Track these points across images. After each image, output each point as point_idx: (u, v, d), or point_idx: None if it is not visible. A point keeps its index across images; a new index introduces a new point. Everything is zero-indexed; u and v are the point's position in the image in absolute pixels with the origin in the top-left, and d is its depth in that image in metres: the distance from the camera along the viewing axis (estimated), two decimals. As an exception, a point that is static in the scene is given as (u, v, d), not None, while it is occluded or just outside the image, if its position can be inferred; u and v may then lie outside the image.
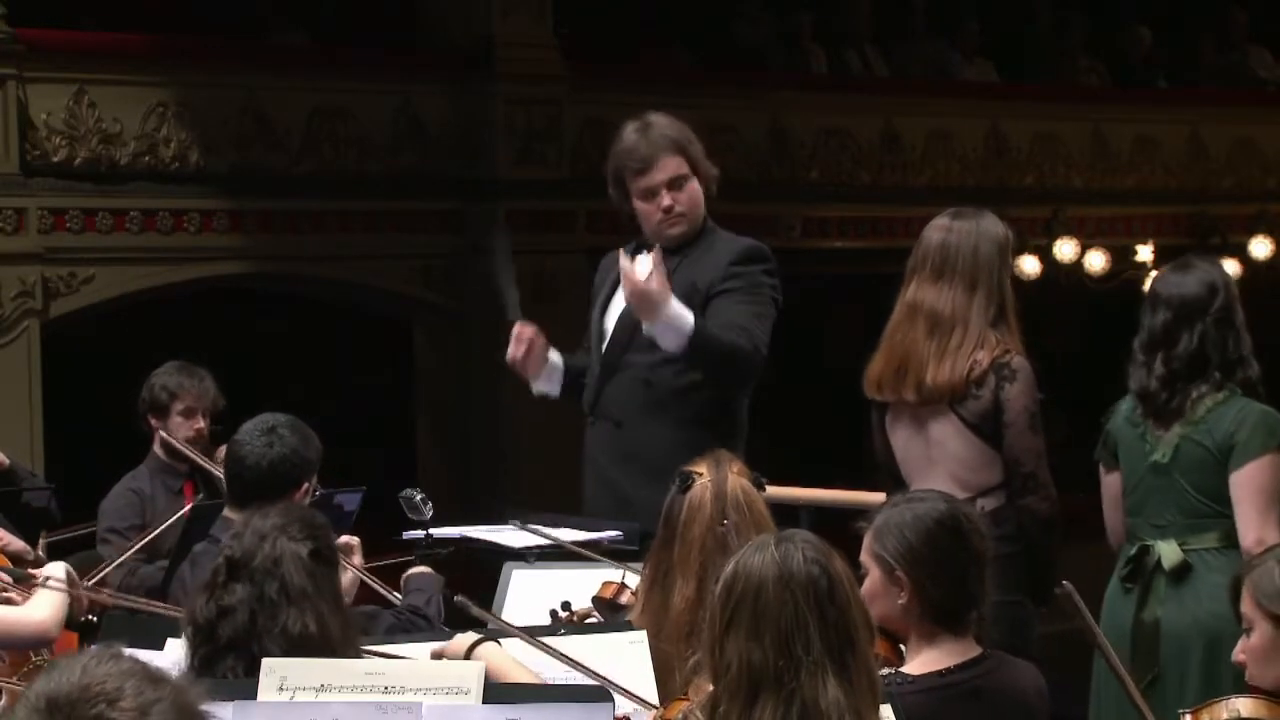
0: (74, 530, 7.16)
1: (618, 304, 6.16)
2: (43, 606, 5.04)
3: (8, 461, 7.12)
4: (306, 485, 5.39)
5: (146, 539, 6.64)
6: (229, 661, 3.96)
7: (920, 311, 5.64)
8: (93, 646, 2.55)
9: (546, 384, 6.25)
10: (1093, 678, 5.75)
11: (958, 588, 4.29)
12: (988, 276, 5.62)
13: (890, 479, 5.79)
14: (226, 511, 5.55)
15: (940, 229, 5.71)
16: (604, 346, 6.16)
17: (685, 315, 5.89)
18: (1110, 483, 5.76)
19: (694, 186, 6.11)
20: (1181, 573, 5.55)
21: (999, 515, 5.48)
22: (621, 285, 5.99)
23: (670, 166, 6.09)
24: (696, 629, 4.19)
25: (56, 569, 5.16)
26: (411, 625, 5.22)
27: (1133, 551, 5.64)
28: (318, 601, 4.02)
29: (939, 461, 5.62)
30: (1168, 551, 5.56)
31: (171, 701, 2.41)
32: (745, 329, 5.96)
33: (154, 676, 2.44)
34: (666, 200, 6.10)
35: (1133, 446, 5.66)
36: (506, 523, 5.79)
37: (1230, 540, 5.50)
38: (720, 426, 5.95)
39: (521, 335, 6.17)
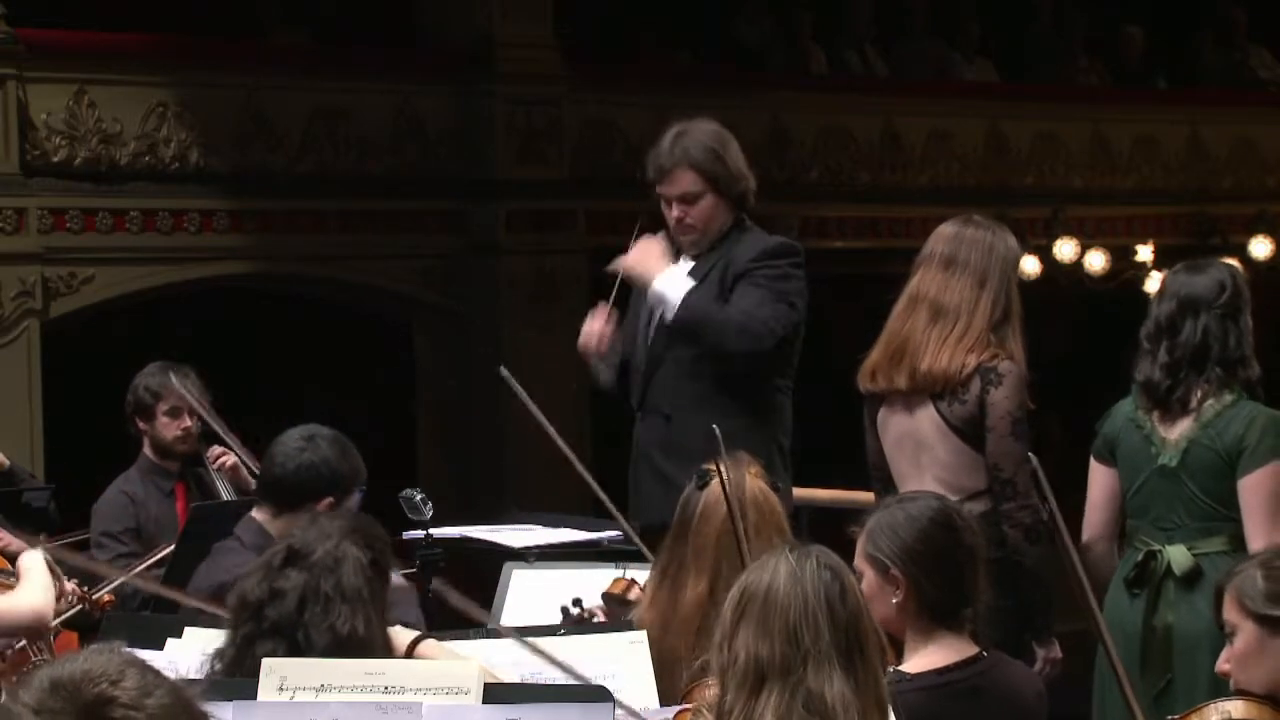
0: (74, 536, 7.16)
1: None
2: (32, 589, 5.05)
3: (7, 462, 7.13)
4: (333, 499, 5.28)
5: (157, 556, 6.64)
6: (269, 644, 3.95)
7: (922, 301, 5.63)
8: (93, 645, 2.56)
9: (600, 370, 6.31)
10: (1095, 670, 5.73)
11: (954, 585, 4.29)
12: (997, 279, 5.61)
13: (879, 482, 5.79)
14: (254, 512, 5.52)
15: (950, 233, 5.70)
16: (649, 341, 6.21)
17: (674, 290, 6.04)
18: (1105, 480, 5.73)
19: (707, 202, 6.17)
20: (1192, 577, 5.51)
21: (986, 519, 5.45)
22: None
23: (683, 182, 6.16)
24: (705, 626, 4.20)
25: (34, 557, 5.17)
26: None
27: (1139, 557, 5.61)
28: (370, 608, 4.02)
29: (926, 465, 5.61)
30: (1178, 556, 5.53)
31: (170, 689, 2.45)
32: (749, 309, 5.99)
33: (153, 669, 2.48)
34: (676, 212, 6.18)
35: (1137, 449, 5.62)
36: (513, 521, 5.81)
37: (1236, 544, 5.46)
38: (767, 417, 6.05)
39: (599, 317, 6.25)
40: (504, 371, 5.53)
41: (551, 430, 5.39)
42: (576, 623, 4.87)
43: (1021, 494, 5.49)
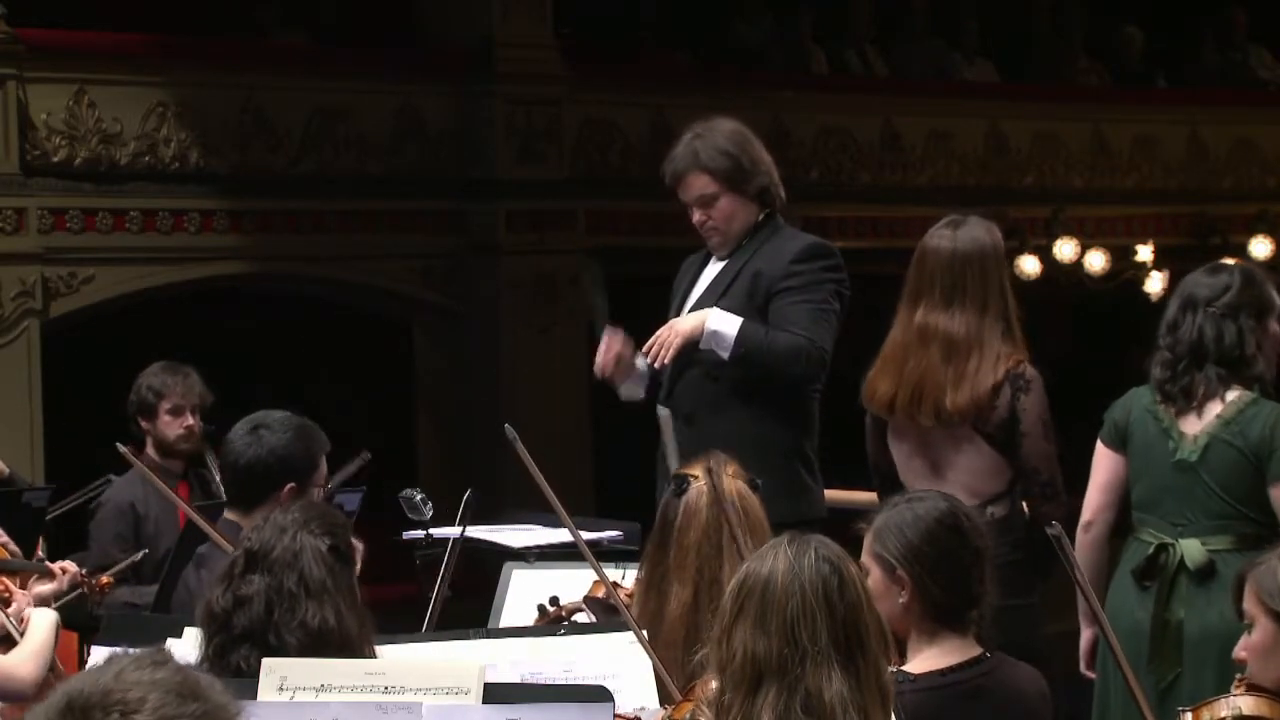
0: (73, 499, 7.25)
1: (691, 303, 6.17)
2: (34, 656, 5.02)
3: (6, 470, 7.13)
4: (293, 485, 5.22)
5: (130, 562, 6.73)
6: (242, 651, 3.95)
7: (934, 337, 5.63)
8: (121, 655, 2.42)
9: (631, 390, 6.24)
10: (1096, 669, 5.74)
11: (959, 586, 4.29)
12: (996, 294, 5.66)
13: (882, 483, 5.80)
14: (226, 512, 5.51)
15: (943, 251, 5.68)
16: None
17: (729, 326, 5.93)
18: (1112, 466, 5.75)
19: (725, 203, 6.08)
20: (1206, 573, 5.56)
21: (1008, 522, 5.52)
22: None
23: (696, 186, 6.11)
24: (692, 635, 4.19)
25: (44, 618, 5.11)
26: None
27: (1149, 550, 5.63)
28: (336, 596, 4.01)
29: (948, 473, 5.63)
30: (1192, 551, 5.58)
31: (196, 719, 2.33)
32: (801, 327, 5.95)
33: (186, 692, 2.36)
34: (697, 216, 6.14)
35: (1154, 442, 5.67)
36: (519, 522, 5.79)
37: (1244, 543, 5.51)
38: (790, 420, 6.00)
39: (610, 345, 6.16)
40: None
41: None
42: (553, 621, 4.86)
43: (1059, 493, 5.61)
